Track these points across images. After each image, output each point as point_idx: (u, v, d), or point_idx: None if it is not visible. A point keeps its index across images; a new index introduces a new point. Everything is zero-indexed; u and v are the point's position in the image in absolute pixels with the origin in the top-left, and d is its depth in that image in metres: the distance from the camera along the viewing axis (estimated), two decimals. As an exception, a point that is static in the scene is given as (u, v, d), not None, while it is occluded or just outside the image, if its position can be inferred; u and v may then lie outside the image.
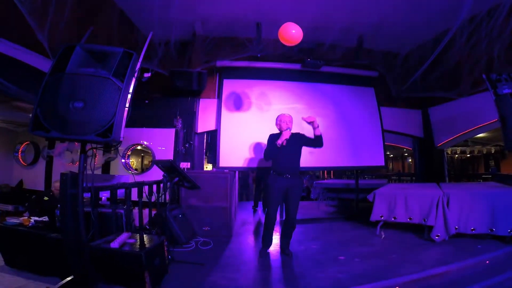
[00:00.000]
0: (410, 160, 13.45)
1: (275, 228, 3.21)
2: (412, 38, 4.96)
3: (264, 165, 4.43)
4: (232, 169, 4.66)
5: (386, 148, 5.64)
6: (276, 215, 3.15)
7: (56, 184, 3.71)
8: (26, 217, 3.29)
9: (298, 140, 3.15)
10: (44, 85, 1.85)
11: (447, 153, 8.56)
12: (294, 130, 3.15)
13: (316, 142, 3.10)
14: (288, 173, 3.02)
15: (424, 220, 3.52)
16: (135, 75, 2.03)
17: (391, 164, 15.59)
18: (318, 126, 3.02)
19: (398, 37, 5.07)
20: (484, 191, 3.60)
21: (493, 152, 10.14)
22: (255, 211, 6.12)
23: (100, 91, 1.82)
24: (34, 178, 5.86)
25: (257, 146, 4.66)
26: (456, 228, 3.33)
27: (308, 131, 3.18)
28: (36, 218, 3.35)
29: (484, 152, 10.39)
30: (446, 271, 2.51)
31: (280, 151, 3.02)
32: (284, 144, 2.99)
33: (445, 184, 4.73)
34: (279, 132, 3.14)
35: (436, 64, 4.70)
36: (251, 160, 4.73)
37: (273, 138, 3.10)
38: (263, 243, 3.20)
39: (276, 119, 3.24)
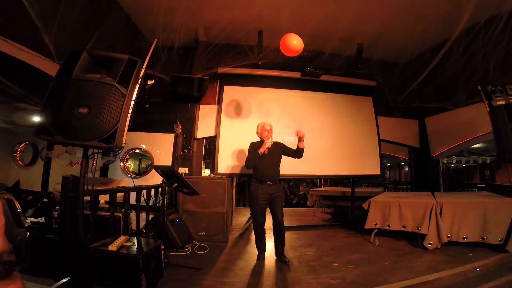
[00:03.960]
0: (406, 169, 13.53)
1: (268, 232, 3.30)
2: (410, 49, 5.05)
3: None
4: (230, 176, 4.70)
5: (382, 157, 5.71)
6: (263, 220, 3.22)
7: (58, 187, 3.72)
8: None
9: (279, 149, 3.31)
10: (50, 90, 1.90)
11: (443, 163, 8.64)
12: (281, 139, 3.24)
13: (298, 153, 3.24)
14: (269, 180, 3.17)
15: (418, 229, 3.58)
16: (139, 82, 2.09)
17: (387, 172, 15.66)
18: (303, 140, 3.17)
19: (396, 47, 5.16)
20: (477, 200, 3.67)
21: (488, 162, 10.25)
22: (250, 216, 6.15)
23: (105, 97, 1.88)
24: (31, 179, 5.85)
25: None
26: (448, 237, 3.38)
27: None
28: (32, 219, 3.38)
29: (480, 162, 10.49)
30: (437, 278, 2.56)
31: (262, 159, 3.17)
32: (266, 152, 3.16)
33: (440, 193, 4.79)
34: (260, 140, 3.30)
35: (433, 74, 4.78)
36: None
37: (254, 146, 3.26)
38: (257, 249, 3.30)
39: (257, 127, 3.36)
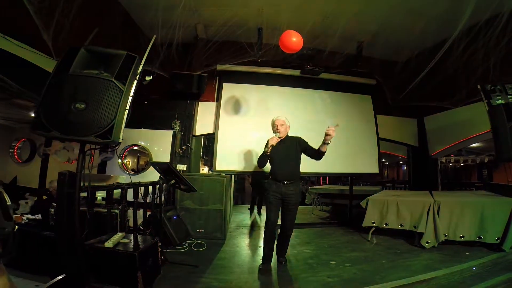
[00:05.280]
0: (405, 168, 13.57)
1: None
2: (410, 47, 5.04)
3: (259, 170, 4.49)
4: (229, 173, 4.70)
5: (381, 155, 5.71)
6: (275, 220, 2.90)
7: (54, 184, 3.70)
8: (19, 215, 3.31)
9: (296, 145, 2.99)
10: (47, 86, 1.89)
11: (441, 162, 8.66)
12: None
13: (317, 155, 2.92)
14: (284, 179, 2.87)
15: (415, 227, 3.59)
16: (137, 78, 2.08)
17: (386, 171, 15.71)
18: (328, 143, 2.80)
19: (396, 46, 5.15)
20: (474, 199, 3.68)
21: (486, 161, 10.27)
22: (251, 214, 6.17)
23: (102, 93, 1.87)
24: (29, 176, 5.82)
25: (254, 150, 4.69)
26: (445, 235, 3.39)
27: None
28: (29, 216, 3.36)
29: (478, 162, 10.51)
30: (433, 277, 2.56)
31: (276, 156, 2.92)
32: (268, 152, 2.89)
33: (437, 192, 4.81)
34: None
35: (433, 73, 4.77)
36: (247, 164, 4.76)
37: (268, 142, 2.95)
38: (263, 256, 2.92)
39: (271, 123, 3.13)
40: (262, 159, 2.99)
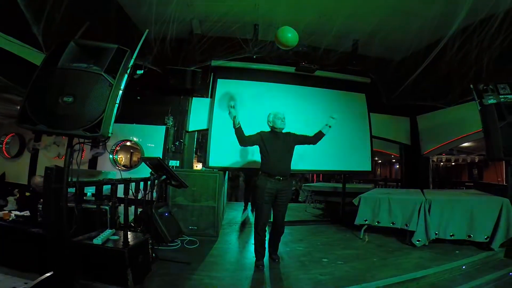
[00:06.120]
0: (397, 166, 13.72)
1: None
2: (405, 46, 5.05)
3: (253, 166, 4.46)
4: (222, 169, 4.66)
5: (374, 153, 5.73)
6: (268, 220, 2.92)
7: (36, 180, 3.59)
8: (7, 211, 3.23)
9: (291, 140, 3.02)
10: (35, 79, 1.84)
11: (433, 161, 8.77)
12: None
13: (315, 139, 3.14)
14: (279, 175, 2.84)
15: (406, 225, 3.61)
16: (128, 72, 2.03)
17: (379, 169, 15.86)
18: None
19: (391, 45, 5.15)
20: (464, 198, 3.71)
21: (476, 161, 10.46)
22: (244, 211, 6.15)
23: (91, 86, 1.83)
24: (18, 171, 5.70)
25: (248, 147, 4.65)
26: (436, 234, 3.42)
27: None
28: (17, 212, 3.28)
29: (468, 161, 10.70)
30: (424, 275, 2.59)
31: (271, 152, 2.89)
32: (237, 125, 2.88)
33: (429, 190, 4.85)
34: (270, 130, 3.05)
35: (426, 73, 4.79)
36: (241, 161, 4.74)
37: (260, 133, 3.01)
38: (256, 255, 2.91)
39: (269, 116, 3.07)
40: (237, 135, 2.94)
